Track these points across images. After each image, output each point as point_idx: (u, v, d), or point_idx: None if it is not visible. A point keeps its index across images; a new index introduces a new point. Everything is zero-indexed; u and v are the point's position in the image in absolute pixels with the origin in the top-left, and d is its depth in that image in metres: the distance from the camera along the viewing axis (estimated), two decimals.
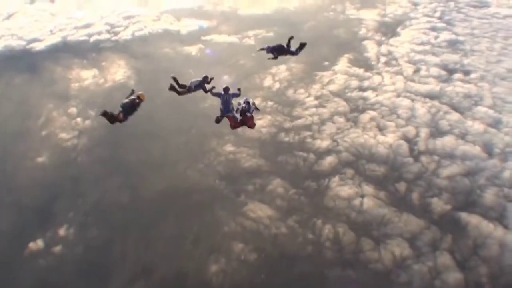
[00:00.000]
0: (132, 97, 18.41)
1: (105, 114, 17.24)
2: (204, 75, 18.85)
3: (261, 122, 68.83)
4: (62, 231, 55.62)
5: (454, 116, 66.53)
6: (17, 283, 49.94)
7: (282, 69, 78.40)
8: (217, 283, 49.32)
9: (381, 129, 66.78)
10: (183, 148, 64.31)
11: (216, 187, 60.07)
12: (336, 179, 59.76)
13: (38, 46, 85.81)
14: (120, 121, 17.64)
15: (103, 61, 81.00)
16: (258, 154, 63.92)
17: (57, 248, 53.83)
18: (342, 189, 58.29)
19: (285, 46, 18.56)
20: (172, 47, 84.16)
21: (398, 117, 68.34)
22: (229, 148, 66.11)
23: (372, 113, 69.85)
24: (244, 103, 17.75)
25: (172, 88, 19.37)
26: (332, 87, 75.64)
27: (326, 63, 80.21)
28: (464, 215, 53.08)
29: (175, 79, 19.34)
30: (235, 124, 17.28)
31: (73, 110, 71.00)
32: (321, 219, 54.96)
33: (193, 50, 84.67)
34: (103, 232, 55.30)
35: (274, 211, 55.94)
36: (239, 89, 18.39)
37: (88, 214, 57.51)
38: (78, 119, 69.24)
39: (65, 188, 59.81)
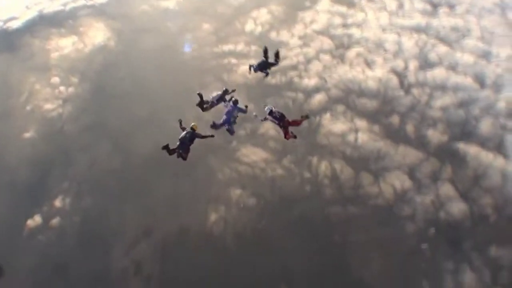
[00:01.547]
0: (187, 130, 18.32)
1: (166, 148, 17.62)
2: (224, 88, 19.65)
3: (246, 66, 64.45)
4: (58, 203, 53.46)
5: (443, 48, 63.76)
6: (20, 262, 47.92)
7: (263, 12, 74.55)
8: (219, 232, 48.19)
9: (368, 64, 64.17)
10: (169, 104, 61.17)
11: (209, 140, 56.71)
12: (327, 116, 57.97)
13: (15, 24, 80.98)
14: (184, 159, 17.99)
15: (81, 27, 77.14)
16: (246, 99, 60.11)
17: (55, 221, 51.78)
18: (335, 125, 56.57)
19: (266, 60, 19.73)
20: (150, 4, 79.54)
21: (385, 51, 65.56)
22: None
23: (359, 49, 66.81)
24: (270, 113, 18.11)
25: (199, 104, 19.91)
26: (316, 26, 71.86)
27: (308, 3, 76.03)
28: (461, 146, 51.73)
29: (200, 95, 19.93)
30: (287, 134, 17.49)
31: (55, 79, 67.66)
32: (316, 157, 53.46)
33: (170, 3, 79.66)
34: (99, 199, 53.24)
35: (268, 153, 54.30)
36: (246, 106, 19.06)
37: (81, 182, 55.27)
38: (61, 88, 65.96)
39: (55, 160, 57.38)
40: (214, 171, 52.64)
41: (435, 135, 53.25)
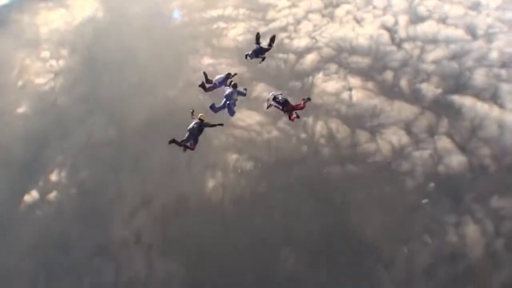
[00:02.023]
0: (195, 120, 17.48)
1: (173, 141, 16.67)
2: (227, 72, 18.83)
3: (236, 30, 63.32)
4: (54, 177, 50.80)
5: (432, 1, 60.19)
6: (18, 238, 45.62)
7: None
8: (218, 198, 45.53)
9: (358, 21, 60.75)
10: (160, 71, 58.41)
11: (200, 103, 53.19)
12: (320, 75, 54.79)
13: (2, 1, 76.21)
14: (192, 149, 16.96)
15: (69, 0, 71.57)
16: (237, 63, 58.15)
17: (52, 195, 49.13)
18: (328, 84, 53.44)
19: (260, 46, 18.75)
20: None
21: (374, 7, 61.96)
22: (207, 61, 60.27)
23: (347, 7, 63.31)
24: (275, 99, 17.60)
25: (201, 85, 19.06)
26: None
27: None
28: (456, 98, 48.85)
29: (205, 74, 19.06)
30: (292, 116, 16.73)
31: (45, 53, 64.37)
32: (311, 117, 50.53)
33: None
34: (96, 171, 50.48)
35: (263, 116, 51.29)
36: (245, 89, 18.61)
37: (77, 155, 52.45)
38: (52, 61, 62.71)
39: (50, 134, 54.50)
40: (209, 137, 49.47)
41: (429, 89, 50.28)
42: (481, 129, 46.24)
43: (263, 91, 53.34)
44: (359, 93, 51.51)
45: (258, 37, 19.12)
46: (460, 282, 38.93)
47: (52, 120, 55.80)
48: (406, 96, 50.52)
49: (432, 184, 43.71)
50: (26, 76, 62.70)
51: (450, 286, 39.02)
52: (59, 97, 58.57)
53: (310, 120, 49.74)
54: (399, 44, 55.93)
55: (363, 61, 55.06)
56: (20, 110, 58.22)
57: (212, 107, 17.87)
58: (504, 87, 48.98)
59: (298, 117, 16.72)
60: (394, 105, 49.75)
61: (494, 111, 47.13)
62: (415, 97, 50.32)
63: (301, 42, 59.09)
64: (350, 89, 52.17)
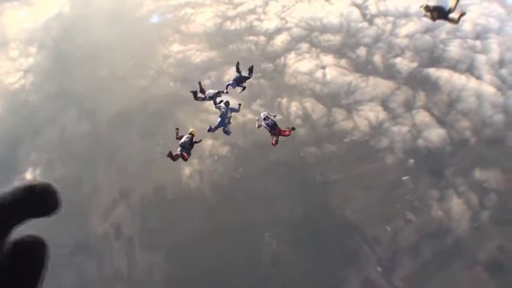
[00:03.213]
0: (186, 135, 17.93)
1: (170, 155, 16.95)
2: (217, 90, 18.75)
3: (204, 15, 60.04)
4: (28, 175, 46.78)
5: None
6: None
7: None
8: (196, 185, 43.11)
9: None
10: (129, 61, 54.98)
11: (172, 90, 51.78)
12: (292, 55, 52.11)
13: None
14: (186, 160, 17.44)
15: None
16: (207, 48, 55.31)
17: None
18: (301, 64, 50.72)
19: (240, 74, 18.96)
20: None
21: None
22: (177, 48, 57.04)
23: None
24: (265, 119, 17.55)
25: (194, 92, 18.94)
26: None
27: None
28: (432, 71, 46.82)
29: (200, 85, 19.20)
30: (275, 140, 17.07)
31: (14, 52, 60.31)
32: (285, 97, 47.94)
33: None
34: (71, 167, 47.06)
35: (236, 99, 46.55)
36: (239, 104, 18.45)
37: (51, 152, 48.71)
38: (21, 60, 58.58)
39: (22, 132, 50.59)
40: (183, 124, 46.43)
41: (404, 63, 48.04)
42: (459, 102, 44.16)
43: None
44: (332, 71, 48.98)
45: (238, 65, 19.23)
46: (447, 258, 36.90)
47: (23, 119, 52.10)
48: (381, 71, 47.91)
49: (412, 161, 41.43)
50: None
51: (437, 262, 36.92)
52: (30, 95, 54.53)
53: (284, 100, 46.76)
54: (370, 20, 53.19)
55: (335, 39, 52.27)
56: None
57: (210, 129, 18.06)
58: (480, 58, 46.90)
59: (277, 143, 17.02)
60: (369, 81, 47.16)
61: (471, 83, 45.11)
62: (390, 72, 47.90)
63: (270, 23, 56.21)
64: (323, 67, 49.64)
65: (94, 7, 61.76)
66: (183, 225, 40.63)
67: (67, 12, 64.20)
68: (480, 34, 48.60)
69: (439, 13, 16.17)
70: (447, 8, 15.84)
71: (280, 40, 53.92)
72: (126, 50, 56.14)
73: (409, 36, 50.32)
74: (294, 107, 45.76)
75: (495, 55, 46.93)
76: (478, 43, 48.19)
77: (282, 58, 51.83)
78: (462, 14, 16.05)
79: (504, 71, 45.76)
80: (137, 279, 40.04)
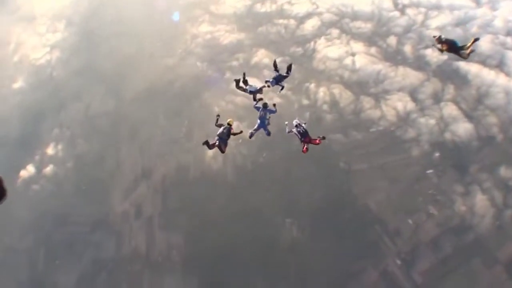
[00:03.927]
0: (224, 126, 16.87)
1: (206, 143, 16.40)
2: (262, 86, 18.13)
3: None
4: (50, 150, 47.37)
5: None
6: (15, 214, 41.76)
7: None
8: (219, 167, 42.47)
9: None
10: (157, 39, 55.02)
11: (199, 70, 51.31)
12: (322, 41, 51.11)
13: None
14: (223, 152, 16.84)
15: None
16: (236, 29, 54.79)
17: (48, 169, 45.83)
18: (330, 49, 49.80)
19: (279, 74, 18.12)
20: None
21: None
22: (206, 28, 56.29)
23: None
24: (296, 126, 16.94)
25: (237, 81, 18.03)
26: None
27: None
28: (462, 64, 45.35)
29: (244, 75, 18.09)
30: (306, 148, 16.26)
31: (41, 28, 60.56)
32: (313, 83, 46.95)
33: None
34: (94, 144, 47.18)
35: (264, 82, 46.53)
36: (274, 105, 17.67)
37: (74, 128, 48.87)
38: (48, 35, 58.56)
39: (46, 107, 50.84)
40: (209, 105, 46.52)
41: (434, 55, 46.70)
42: (488, 97, 43.27)
43: (264, 57, 50.09)
44: (362, 59, 48.13)
45: (275, 63, 18.61)
46: (467, 254, 36.23)
47: (48, 94, 52.21)
48: (410, 62, 47.12)
49: (437, 154, 40.61)
50: (23, 50, 58.67)
51: (457, 258, 36.28)
52: (55, 70, 54.85)
53: (312, 86, 46.26)
54: (402, 9, 52.30)
55: (365, 27, 51.46)
56: (16, 85, 54.51)
57: (251, 135, 17.22)
58: (510, 55, 45.99)
59: (307, 150, 16.42)
60: (398, 71, 46.43)
61: (500, 79, 44.17)
62: (419, 63, 46.97)
63: (301, 7, 55.24)
64: (353, 54, 48.84)
65: None
66: (203, 207, 40.29)
67: None
68: None
69: (450, 46, 16.10)
70: (459, 44, 15.89)
71: (310, 24, 53.04)
72: (154, 29, 56.00)
73: (440, 28, 49.04)
74: (322, 92, 45.29)
75: None
76: (509, 39, 47.09)
77: (312, 43, 50.95)
78: (472, 51, 15.76)
79: None
80: (155, 259, 39.80)
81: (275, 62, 18.82)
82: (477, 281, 35.06)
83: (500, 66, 45.01)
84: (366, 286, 36.05)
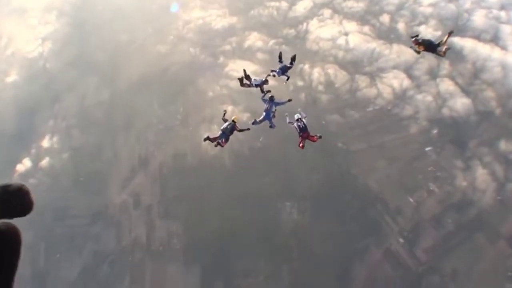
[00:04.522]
0: (229, 122, 16.05)
1: (208, 139, 15.70)
2: (265, 78, 16.98)
3: None
4: (45, 143, 46.31)
5: None
6: None
7: None
8: (216, 153, 40.96)
9: None
10: (149, 26, 53.50)
11: (192, 56, 50.14)
12: (314, 22, 49.96)
13: None
14: (222, 146, 16.12)
15: None
16: (228, 13, 53.56)
17: (44, 162, 44.82)
18: (323, 30, 48.68)
19: (284, 64, 17.23)
20: None
21: None
22: (197, 13, 54.91)
23: None
24: (297, 120, 16.25)
25: (240, 79, 17.11)
26: None
27: None
28: (457, 40, 44.27)
29: (245, 71, 17.06)
30: (302, 143, 15.80)
31: (33, 20, 58.85)
32: (308, 64, 45.88)
33: None
34: (89, 134, 46.13)
35: (257, 65, 46.51)
36: (289, 100, 16.87)
37: (69, 119, 47.57)
38: (40, 28, 57.12)
39: (40, 99, 49.44)
40: (203, 90, 45.55)
41: (428, 31, 45.36)
42: (484, 71, 42.35)
43: (257, 40, 49.01)
44: (355, 38, 47.11)
45: (280, 55, 17.67)
46: (470, 230, 35.57)
47: (42, 86, 50.90)
48: (405, 39, 45.44)
49: (435, 131, 39.77)
50: (14, 44, 57.07)
51: (459, 234, 35.62)
52: (48, 62, 53.48)
53: (306, 67, 45.18)
54: None
55: (358, 6, 50.17)
56: (9, 78, 53.06)
57: (254, 122, 16.76)
58: (505, 28, 44.91)
59: (303, 147, 15.99)
60: (392, 49, 45.35)
61: (496, 53, 43.15)
62: None
63: None
64: (346, 34, 47.79)
65: None
66: (202, 193, 39.47)
67: None
68: (506, 5, 46.40)
69: (426, 46, 15.58)
70: (437, 42, 15.47)
71: (302, 6, 51.76)
72: (145, 16, 54.51)
73: (433, 4, 48.14)
74: (317, 73, 44.22)
75: None
76: (503, 13, 46.03)
77: (304, 24, 49.81)
78: (448, 49, 15.53)
79: None
80: (156, 248, 39.14)
81: (280, 54, 17.95)
82: (481, 256, 34.51)
83: (495, 40, 44.14)
84: (370, 266, 35.49)
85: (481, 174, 36.88)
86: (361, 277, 35.56)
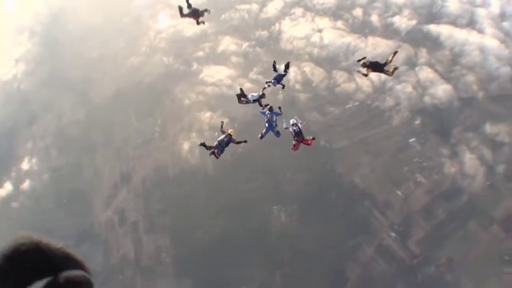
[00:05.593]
0: (225, 134, 16.24)
1: (203, 145, 15.90)
2: (262, 92, 17.33)
3: None
4: (25, 165, 44.51)
5: None
6: None
7: None
8: (197, 163, 39.98)
9: None
10: (120, 39, 51.64)
11: (166, 65, 48.28)
12: (287, 21, 48.33)
13: None
14: (217, 157, 16.08)
15: None
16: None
17: (25, 185, 43.08)
18: (296, 29, 47.07)
19: (278, 73, 17.74)
20: None
21: None
22: (168, 22, 53.00)
23: None
24: (293, 125, 16.48)
25: (238, 96, 17.47)
26: None
27: None
28: (432, 27, 43.28)
29: (241, 90, 17.55)
30: (296, 147, 16.22)
31: (4, 42, 57.04)
32: (283, 64, 43.80)
33: None
34: (69, 154, 44.31)
35: (233, 69, 45.22)
36: (279, 107, 17.05)
37: (47, 139, 45.85)
38: (12, 49, 54.96)
39: (17, 122, 47.58)
40: (180, 99, 44.17)
41: (402, 21, 44.46)
42: (463, 56, 40.93)
43: (230, 44, 47.48)
44: (329, 34, 45.51)
45: (274, 64, 18.19)
46: (462, 218, 34.22)
47: (18, 108, 48.92)
48: (379, 31, 44.55)
49: (417, 122, 38.34)
50: None
51: (452, 222, 34.33)
52: (23, 83, 51.57)
53: (282, 67, 44.09)
54: None
55: (329, 1, 48.36)
56: None
57: (261, 137, 16.68)
58: (480, 12, 43.60)
59: (297, 149, 16.34)
60: (368, 42, 43.82)
61: (473, 37, 41.83)
62: (388, 32, 44.52)
63: None
64: (319, 30, 46.18)
65: None
66: (187, 204, 37.95)
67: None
68: None
69: (374, 67, 15.92)
70: (383, 62, 15.69)
71: (273, 6, 50.06)
72: (116, 29, 52.78)
73: None
74: (293, 72, 42.49)
75: (495, 8, 43.47)
76: None
77: (277, 25, 48.23)
78: (395, 68, 15.70)
79: (506, 24, 42.41)
80: (145, 264, 37.50)
81: (274, 63, 18.42)
82: (475, 242, 33.36)
83: (471, 24, 42.85)
84: (363, 263, 34.22)
85: (469, 159, 35.54)
86: (356, 275, 34.22)
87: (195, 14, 17.42)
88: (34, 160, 44.09)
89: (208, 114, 41.55)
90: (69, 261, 1.78)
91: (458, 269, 32.86)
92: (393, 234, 34.66)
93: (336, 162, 37.68)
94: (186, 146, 40.51)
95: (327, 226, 34.96)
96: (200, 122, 41.76)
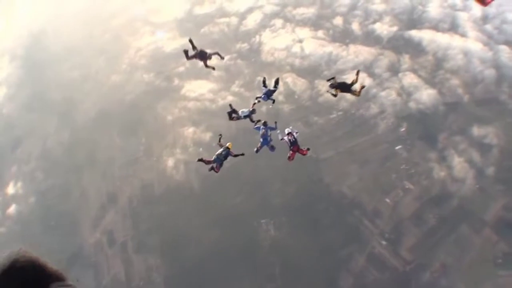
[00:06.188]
0: (223, 148, 15.30)
1: (201, 160, 14.83)
2: (253, 108, 16.48)
3: (172, 2, 54.77)
4: (10, 189, 43.25)
5: None
6: None
7: None
8: (183, 180, 39.21)
9: None
10: (101, 58, 50.75)
11: (147, 82, 47.57)
12: (267, 33, 48.01)
13: None
14: (216, 172, 14.79)
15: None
16: (178, 35, 50.76)
17: (12, 209, 41.79)
18: (277, 40, 46.74)
19: (268, 88, 16.97)
20: None
21: None
22: (147, 39, 52.57)
23: None
24: (288, 134, 15.70)
25: (229, 113, 16.35)
26: None
27: None
28: (414, 33, 43.12)
29: (231, 106, 16.53)
30: (292, 156, 15.19)
31: None
32: (264, 75, 43.30)
33: None
34: (54, 176, 43.18)
35: (214, 83, 44.72)
36: (275, 122, 16.24)
37: (31, 162, 44.67)
38: None
39: (0, 146, 46.59)
40: (163, 116, 43.45)
41: (383, 28, 44.16)
42: (447, 61, 40.62)
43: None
44: (310, 44, 45.05)
45: (264, 80, 17.30)
46: (453, 222, 33.63)
47: (1, 132, 47.98)
48: (361, 39, 44.08)
49: (402, 129, 37.79)
50: None
51: (443, 228, 33.74)
52: (5, 107, 50.50)
53: (272, 82, 43.74)
54: None
55: (309, 12, 48.10)
56: None
57: (257, 151, 15.80)
58: (462, 15, 43.35)
59: (293, 158, 15.36)
60: (349, 50, 43.28)
61: (456, 41, 41.53)
62: (370, 39, 44.09)
63: (241, 3, 51.96)
64: (300, 41, 45.75)
65: (68, 8, 56.69)
66: (175, 222, 37.08)
67: (34, 17, 59.07)
68: None
69: (342, 88, 15.64)
70: (349, 82, 15.59)
71: (252, 19, 49.67)
72: (96, 49, 51.90)
73: (386, 1, 46.63)
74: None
75: (477, 11, 43.02)
76: (458, 1, 44.69)
77: (257, 37, 47.81)
78: (363, 87, 15.43)
79: (488, 27, 42.25)
80: (136, 284, 36.51)
81: (264, 79, 17.51)
82: (468, 246, 32.84)
83: (453, 28, 42.65)
84: (356, 272, 33.52)
85: (458, 162, 35.07)
86: (348, 285, 33.41)
87: (203, 56, 16.60)
88: (19, 184, 42.90)
89: (191, 129, 40.96)
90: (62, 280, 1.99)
91: (453, 274, 32.21)
92: (384, 242, 34.07)
93: (323, 172, 36.95)
94: (170, 162, 39.74)
95: (317, 237, 34.16)
96: (184, 138, 41.08)
